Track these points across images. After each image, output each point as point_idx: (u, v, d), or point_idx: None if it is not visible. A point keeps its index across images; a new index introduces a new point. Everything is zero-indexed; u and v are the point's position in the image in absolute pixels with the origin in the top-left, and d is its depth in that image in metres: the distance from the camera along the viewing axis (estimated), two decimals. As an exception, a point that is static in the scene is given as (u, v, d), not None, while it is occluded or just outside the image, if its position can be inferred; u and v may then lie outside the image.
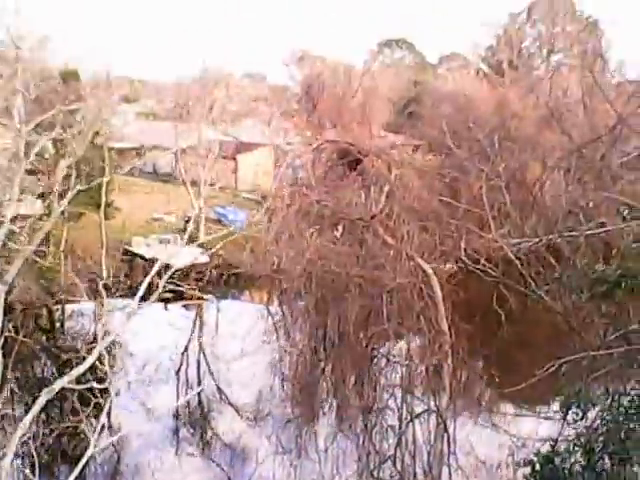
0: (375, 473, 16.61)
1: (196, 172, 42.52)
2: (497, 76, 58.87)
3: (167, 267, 28.64)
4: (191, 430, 23.47)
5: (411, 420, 17.37)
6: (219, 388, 27.02)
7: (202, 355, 30.84)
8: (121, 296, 33.00)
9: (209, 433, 22.76)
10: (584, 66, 56.63)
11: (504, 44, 65.02)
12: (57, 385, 10.53)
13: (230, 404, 24.14)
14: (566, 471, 6.68)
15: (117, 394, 25.08)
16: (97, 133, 35.71)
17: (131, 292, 32.55)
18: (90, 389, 10.78)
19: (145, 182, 47.22)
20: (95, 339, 31.37)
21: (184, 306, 35.98)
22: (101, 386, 10.22)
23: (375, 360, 19.07)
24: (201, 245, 38.22)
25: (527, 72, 57.39)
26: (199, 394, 26.31)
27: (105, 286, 31.22)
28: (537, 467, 6.95)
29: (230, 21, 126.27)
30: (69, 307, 32.52)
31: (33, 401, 9.92)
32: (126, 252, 36.78)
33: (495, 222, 13.81)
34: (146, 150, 50.01)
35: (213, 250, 33.11)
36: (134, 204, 42.25)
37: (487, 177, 18.48)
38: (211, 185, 42.83)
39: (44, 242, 28.53)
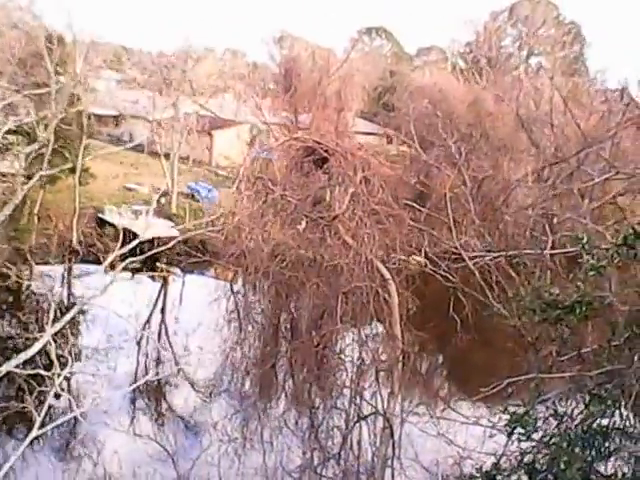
0: (319, 470, 16.93)
1: (171, 145, 42.52)
2: (473, 73, 59.56)
3: (136, 237, 28.91)
4: (147, 401, 23.87)
5: (358, 421, 17.73)
6: (177, 362, 27.42)
7: (163, 327, 31.25)
8: (89, 261, 33.36)
9: (164, 406, 23.24)
10: (564, 71, 57.63)
11: (483, 42, 65.56)
12: (13, 362, 10.84)
13: (186, 379, 24.45)
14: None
15: (78, 360, 25.53)
16: (78, 98, 35.69)
17: (99, 258, 32.69)
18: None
19: (121, 151, 47.01)
20: (61, 301, 31.53)
21: (150, 277, 36.24)
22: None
23: (325, 359, 19.46)
24: (171, 219, 38.72)
25: (505, 72, 58.05)
26: (157, 366, 26.74)
27: (74, 250, 31.96)
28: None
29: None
30: (38, 269, 32.50)
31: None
32: (99, 221, 36.84)
33: (458, 228, 14.25)
34: (124, 118, 49.67)
35: (184, 226, 33.88)
36: (109, 172, 42.15)
37: (453, 183, 18.95)
38: (185, 159, 43.06)
39: (19, 203, 28.53)
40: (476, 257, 11.14)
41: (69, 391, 24.30)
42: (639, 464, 6.57)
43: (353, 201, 19.50)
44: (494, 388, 10.06)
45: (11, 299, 31.18)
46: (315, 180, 20.67)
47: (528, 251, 10.03)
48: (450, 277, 12.29)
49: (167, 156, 42.56)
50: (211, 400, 21.47)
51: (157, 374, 26.08)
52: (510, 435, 7.75)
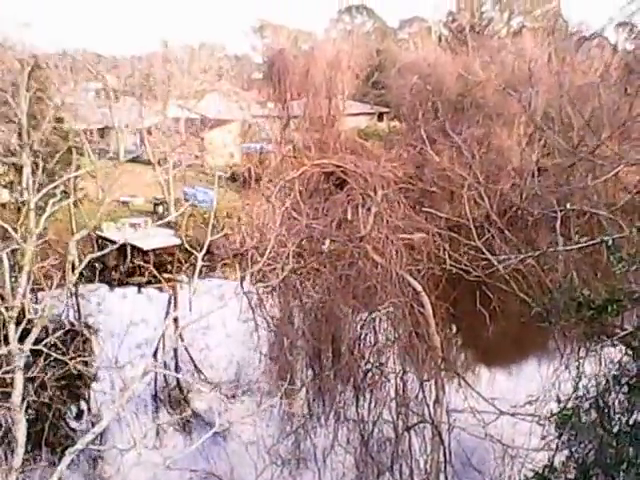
0: None
1: (162, 152, 42.10)
2: (459, 42, 58.84)
3: (139, 251, 28.76)
4: (170, 410, 23.75)
5: (406, 430, 17.69)
6: (197, 367, 27.32)
7: (179, 335, 31.00)
8: (92, 281, 33.14)
9: (189, 412, 23.09)
10: (545, 28, 56.95)
11: (464, 8, 64.79)
12: (78, 446, 10.48)
13: (208, 382, 24.41)
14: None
15: (95, 380, 25.42)
16: (58, 120, 35.28)
17: (105, 277, 32.38)
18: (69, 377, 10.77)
19: (111, 163, 46.59)
20: (72, 324, 31.27)
21: (158, 289, 36.00)
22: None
23: (369, 374, 19.42)
24: (171, 227, 38.39)
25: (489, 37, 57.36)
26: (178, 379, 26.63)
27: (78, 272, 31.01)
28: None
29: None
30: (41, 295, 32.25)
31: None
32: (97, 238, 36.55)
33: (476, 229, 14.11)
34: (109, 130, 49.19)
35: (180, 231, 33.54)
36: (101, 188, 41.69)
37: (451, 160, 18.80)
38: (178, 165, 42.60)
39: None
40: (503, 260, 10.81)
41: (89, 410, 24.46)
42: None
43: (376, 220, 19.58)
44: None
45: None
46: (336, 203, 20.79)
47: (557, 248, 9.65)
48: (474, 274, 12.11)
49: (160, 163, 42.15)
50: (255, 418, 21.29)
51: (178, 383, 26.15)
52: (560, 436, 7.49)
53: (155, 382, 25.72)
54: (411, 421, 17.72)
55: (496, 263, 10.04)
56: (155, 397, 24.61)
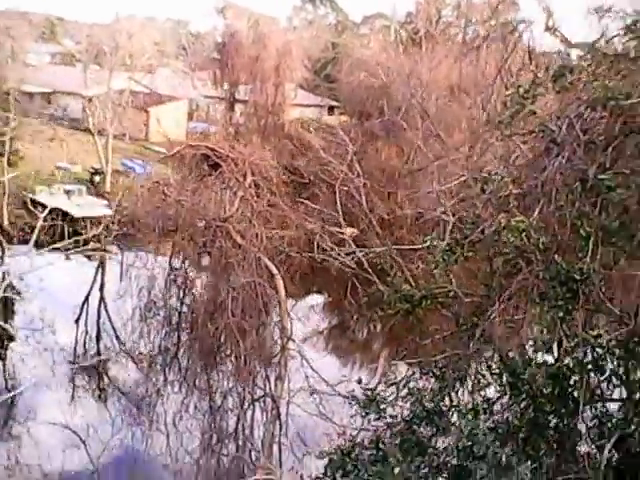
0: (216, 448, 18.30)
1: (106, 121, 42.00)
2: (413, 44, 59.99)
3: (71, 218, 29.13)
4: (87, 377, 24.24)
5: (252, 403, 19.01)
6: (118, 337, 27.76)
7: (102, 304, 31.39)
8: (22, 242, 33.05)
9: (105, 381, 23.73)
10: (499, 39, 58.37)
11: (423, 11, 65.85)
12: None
13: (127, 353, 24.92)
14: (357, 463, 7.53)
15: (13, 339, 25.64)
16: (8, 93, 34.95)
17: (33, 240, 32.32)
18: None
19: (54, 128, 46.23)
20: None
21: (87, 256, 36.14)
22: None
23: (222, 347, 20.90)
24: (105, 197, 38.54)
25: (443, 42, 58.55)
26: (97, 343, 27.06)
27: (5, 232, 31.66)
28: (335, 458, 7.74)
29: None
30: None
31: None
32: (29, 202, 36.40)
33: (351, 220, 15.27)
34: (57, 95, 48.72)
35: (117, 202, 33.77)
36: (40, 151, 41.50)
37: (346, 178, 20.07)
38: (121, 136, 42.66)
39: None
40: (353, 253, 11.90)
41: (4, 370, 24.71)
42: (470, 439, 7.28)
43: (242, 204, 20.89)
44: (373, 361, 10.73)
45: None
46: (207, 184, 22.00)
47: (391, 247, 10.71)
48: (345, 266, 13.01)
49: (102, 132, 42.06)
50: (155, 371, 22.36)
51: (98, 351, 26.58)
52: (367, 415, 8.43)
53: (75, 348, 26.09)
54: (256, 395, 19.07)
55: (357, 251, 11.05)
56: (73, 363, 24.94)
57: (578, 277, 7.22)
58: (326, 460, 7.87)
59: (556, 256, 7.28)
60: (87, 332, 27.51)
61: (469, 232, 7.81)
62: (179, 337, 23.10)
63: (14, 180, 34.79)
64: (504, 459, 6.89)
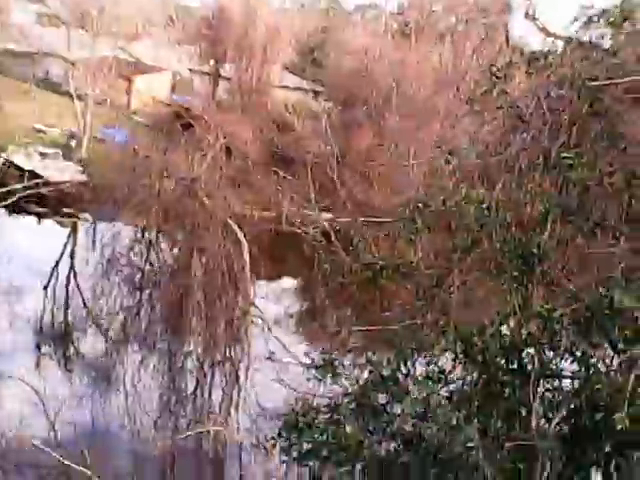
0: (174, 409, 18.50)
1: (87, 86, 41.48)
2: (402, 35, 60.15)
3: (45, 181, 28.77)
4: (53, 345, 24.07)
5: (211, 366, 19.27)
6: (86, 305, 27.55)
7: (72, 272, 31.09)
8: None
9: (71, 350, 23.56)
10: (486, 37, 58.77)
11: (414, 4, 66.01)
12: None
13: (96, 324, 24.76)
14: (312, 424, 7.67)
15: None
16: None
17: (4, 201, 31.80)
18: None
19: (36, 90, 45.46)
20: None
21: (58, 222, 35.82)
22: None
23: (184, 310, 20.89)
24: (80, 163, 38.13)
25: (431, 37, 58.77)
26: (65, 311, 26.81)
27: None
28: (290, 418, 7.87)
29: None
30: None
31: None
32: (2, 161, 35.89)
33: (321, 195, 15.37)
34: (40, 56, 47.91)
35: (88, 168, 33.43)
36: (18, 110, 40.82)
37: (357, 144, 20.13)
38: (101, 103, 42.17)
39: None
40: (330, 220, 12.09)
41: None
42: (424, 405, 7.45)
43: (212, 166, 20.85)
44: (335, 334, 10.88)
45: None
46: (179, 144, 21.91)
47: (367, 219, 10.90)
48: (313, 239, 13.14)
49: (82, 97, 41.56)
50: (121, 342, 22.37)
51: (65, 319, 26.33)
52: (323, 379, 8.55)
53: (42, 317, 25.69)
54: (216, 358, 19.28)
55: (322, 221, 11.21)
56: (40, 331, 24.71)
57: (535, 251, 7.41)
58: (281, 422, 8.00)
59: (515, 230, 7.46)
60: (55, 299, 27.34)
61: (431, 203, 7.97)
62: (141, 296, 23.01)
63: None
64: (454, 421, 7.08)
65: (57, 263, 31.21)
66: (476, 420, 7.31)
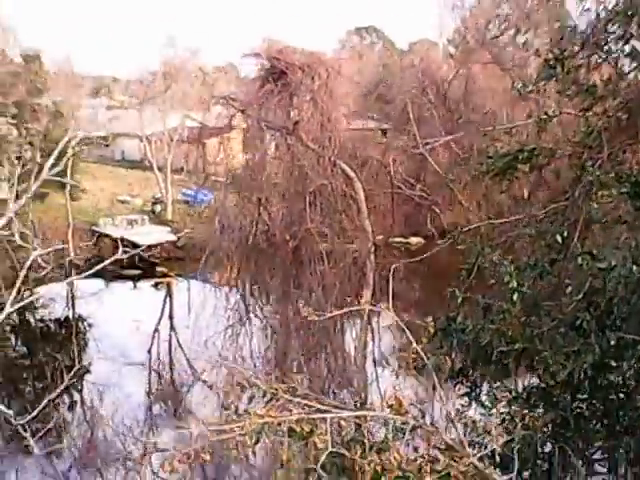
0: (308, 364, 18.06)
1: (164, 157, 42.71)
2: (466, 56, 59.35)
3: (135, 246, 28.78)
4: (164, 407, 23.70)
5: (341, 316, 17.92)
6: (191, 365, 27.18)
7: (173, 333, 31.03)
8: (90, 276, 33.20)
9: (181, 409, 23.07)
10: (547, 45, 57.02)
11: (471, 25, 65.25)
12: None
13: (202, 380, 24.28)
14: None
15: (88, 372, 25.45)
16: (61, 115, 35.89)
17: (100, 271, 32.32)
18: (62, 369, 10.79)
19: (113, 169, 47.22)
20: (67, 318, 31.22)
21: (154, 285, 36.11)
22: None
23: (301, 259, 19.74)
24: (169, 226, 38.71)
25: (493, 51, 57.70)
26: (171, 372, 26.59)
27: (74, 265, 31.48)
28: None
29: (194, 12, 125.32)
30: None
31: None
32: (93, 234, 36.84)
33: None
34: (113, 137, 49.95)
35: (181, 230, 33.80)
36: (100, 188, 42.26)
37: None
38: (179, 170, 43.11)
39: (9, 224, 28.43)
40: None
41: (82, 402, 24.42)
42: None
43: (313, 108, 20.06)
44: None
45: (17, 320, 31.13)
46: (275, 95, 20.97)
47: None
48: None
49: (161, 169, 42.73)
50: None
51: (172, 380, 26.10)
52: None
53: (149, 378, 25.80)
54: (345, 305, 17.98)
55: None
56: (149, 394, 24.50)
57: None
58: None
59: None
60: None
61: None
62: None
63: (76, 213, 35.31)
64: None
65: (157, 326, 31.31)
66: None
